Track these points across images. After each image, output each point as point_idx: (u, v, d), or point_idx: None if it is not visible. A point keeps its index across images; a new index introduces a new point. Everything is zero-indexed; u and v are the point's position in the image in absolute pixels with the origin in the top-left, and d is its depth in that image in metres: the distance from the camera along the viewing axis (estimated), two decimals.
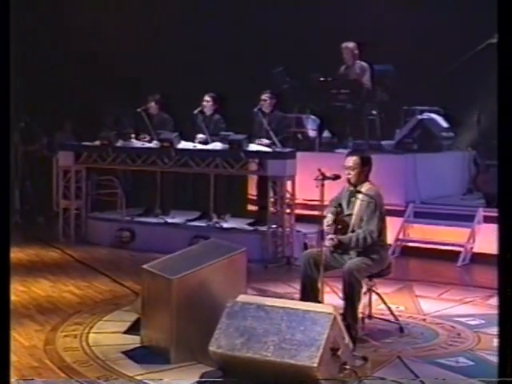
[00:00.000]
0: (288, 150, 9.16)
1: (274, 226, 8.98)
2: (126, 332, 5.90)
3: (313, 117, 10.95)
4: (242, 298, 5.01)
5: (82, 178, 10.29)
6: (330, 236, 5.84)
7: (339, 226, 5.98)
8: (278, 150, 9.05)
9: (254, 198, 10.65)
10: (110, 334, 5.89)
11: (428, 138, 10.65)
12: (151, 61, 13.07)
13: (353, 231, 5.90)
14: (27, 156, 12.26)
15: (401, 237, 9.57)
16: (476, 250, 9.19)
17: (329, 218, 5.95)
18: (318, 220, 9.62)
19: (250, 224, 9.67)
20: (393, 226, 9.60)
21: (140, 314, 5.68)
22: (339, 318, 4.77)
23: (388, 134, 11.08)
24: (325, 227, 5.90)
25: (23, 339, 5.77)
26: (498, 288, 3.56)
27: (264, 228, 9.21)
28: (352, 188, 6.10)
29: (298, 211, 9.44)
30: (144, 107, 10.22)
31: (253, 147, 9.15)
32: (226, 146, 9.23)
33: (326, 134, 11.17)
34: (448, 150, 11.08)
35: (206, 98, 9.97)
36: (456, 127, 11.32)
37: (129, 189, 11.24)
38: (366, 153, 6.28)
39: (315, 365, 4.48)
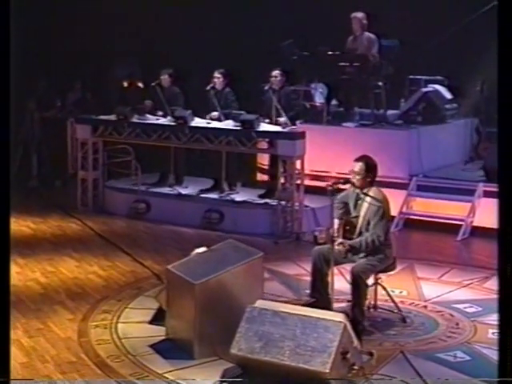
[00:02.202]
0: (297, 128, 9.54)
1: (283, 202, 9.44)
2: (150, 322, 6.45)
3: (320, 89, 11.30)
4: (259, 303, 5.51)
5: (98, 150, 10.74)
6: (339, 241, 6.30)
7: (347, 227, 6.43)
8: (287, 129, 9.43)
9: (264, 166, 11.11)
10: (136, 324, 6.42)
11: (432, 110, 11.03)
12: (161, 36, 13.38)
13: (360, 233, 6.36)
14: (43, 121, 12.64)
15: (404, 210, 10.05)
16: (475, 223, 9.69)
17: (336, 223, 6.37)
18: (325, 192, 10.15)
19: (260, 196, 10.15)
20: (396, 199, 10.11)
21: (165, 308, 6.20)
22: (349, 326, 5.27)
23: (393, 103, 11.46)
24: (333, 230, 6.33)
25: (59, 330, 6.29)
26: (498, 268, 3.73)
27: (274, 202, 9.70)
28: (358, 191, 6.50)
29: (305, 182, 9.90)
30: (158, 81, 10.59)
31: (264, 127, 9.55)
32: (238, 124, 9.63)
33: (333, 102, 11.57)
34: (451, 118, 11.49)
35: (216, 74, 10.32)
36: (459, 97, 11.69)
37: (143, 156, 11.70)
38: (372, 160, 6.65)
39: (327, 370, 5.00)
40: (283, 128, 9.46)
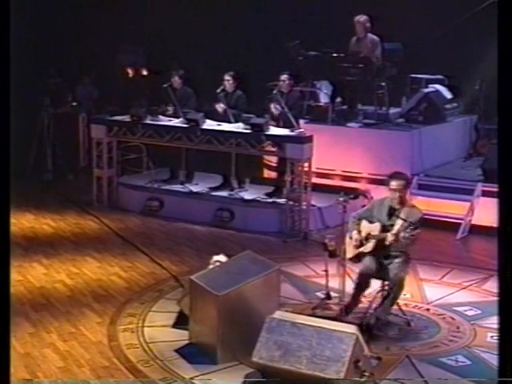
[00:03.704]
0: (305, 132, 9.94)
1: (291, 202, 9.91)
2: (173, 326, 6.95)
3: (325, 89, 11.73)
4: (278, 314, 6.01)
5: (113, 149, 11.19)
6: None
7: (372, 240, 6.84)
8: (296, 132, 9.86)
9: (272, 164, 11.57)
10: (160, 328, 6.91)
11: (433, 110, 11.51)
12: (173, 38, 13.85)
13: (387, 246, 6.76)
14: (56, 117, 13.04)
15: None
16: (474, 221, 10.20)
17: (353, 235, 6.83)
18: (330, 189, 10.63)
19: (268, 194, 10.63)
20: None
21: (188, 314, 6.69)
22: (360, 337, 5.77)
23: (395, 101, 11.92)
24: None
25: (90, 333, 6.79)
26: (498, 269, 3.98)
27: (282, 201, 10.18)
28: (393, 205, 6.84)
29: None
30: (169, 83, 11.01)
31: (273, 130, 10.00)
32: (248, 127, 10.06)
33: (338, 99, 12.01)
34: (451, 117, 11.95)
35: (226, 77, 10.74)
36: (459, 96, 12.16)
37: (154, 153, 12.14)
38: (407, 176, 7.10)
39: (341, 378, 5.53)
40: (291, 131, 9.89)
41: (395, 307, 7.12)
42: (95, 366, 6.19)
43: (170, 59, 14.06)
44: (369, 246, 6.88)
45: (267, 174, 11.90)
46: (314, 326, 5.83)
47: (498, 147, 3.97)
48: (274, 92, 10.30)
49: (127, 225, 10.35)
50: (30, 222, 10.37)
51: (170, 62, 14.15)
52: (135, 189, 11.20)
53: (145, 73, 15.53)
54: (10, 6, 4.03)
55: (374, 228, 6.86)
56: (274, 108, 10.25)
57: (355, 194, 7.07)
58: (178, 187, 11.09)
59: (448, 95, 11.79)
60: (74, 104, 13.78)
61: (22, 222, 10.33)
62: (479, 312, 7.43)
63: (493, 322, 7.20)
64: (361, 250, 6.89)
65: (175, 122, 10.70)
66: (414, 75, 12.09)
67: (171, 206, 10.72)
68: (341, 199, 6.88)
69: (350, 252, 6.99)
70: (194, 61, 12.72)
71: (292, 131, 9.90)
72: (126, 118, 10.97)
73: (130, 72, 16.23)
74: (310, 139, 9.80)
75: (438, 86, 11.79)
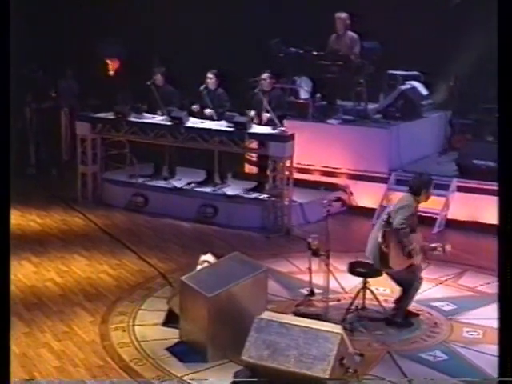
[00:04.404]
0: (287, 131, 10.19)
1: (273, 198, 10.19)
2: (163, 324, 7.21)
3: (305, 86, 12.00)
4: (266, 314, 6.30)
5: (97, 145, 11.39)
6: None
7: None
8: (278, 130, 10.11)
9: (253, 159, 11.83)
10: (151, 327, 7.17)
11: (410, 106, 11.82)
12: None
13: None
14: (39, 112, 13.19)
15: (384, 203, 10.84)
16: (450, 216, 10.55)
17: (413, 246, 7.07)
18: (310, 184, 10.88)
19: (251, 189, 10.89)
20: (377, 192, 10.96)
21: (178, 313, 6.95)
22: (345, 336, 6.08)
23: (373, 96, 12.22)
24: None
25: (83, 333, 7.04)
26: (498, 268, 4.00)
27: (264, 196, 10.44)
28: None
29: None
30: (152, 80, 11.20)
31: (255, 128, 10.25)
32: (231, 125, 10.30)
33: (317, 95, 12.28)
34: (427, 113, 12.28)
35: (209, 74, 10.96)
36: (434, 92, 12.50)
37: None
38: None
39: (327, 376, 5.83)
40: (273, 129, 10.15)
41: (375, 303, 7.45)
42: (90, 365, 6.44)
43: (151, 53, 14.27)
44: (418, 259, 7.17)
45: (248, 168, 12.15)
46: (300, 326, 6.12)
47: (498, 146, 4.09)
48: (256, 91, 10.54)
49: (113, 221, 10.57)
50: (17, 218, 10.52)
51: (152, 55, 14.37)
52: (119, 184, 11.42)
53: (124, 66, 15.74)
54: (9, 5, 4.12)
55: (420, 239, 7.19)
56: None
57: (337, 197, 7.31)
58: (161, 183, 11.32)
59: (424, 92, 12.11)
60: (54, 95, 13.88)
61: None
62: (455, 307, 7.77)
63: (468, 317, 7.58)
64: (412, 261, 7.11)
65: (160, 120, 10.92)
66: (391, 72, 12.39)
67: (156, 202, 10.96)
68: (325, 202, 7.16)
69: (400, 263, 7.10)
70: (175, 55, 12.90)
71: (274, 129, 10.16)
72: (111, 115, 11.16)
73: (110, 63, 16.40)
74: (291, 137, 10.06)
75: (415, 83, 12.09)
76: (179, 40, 13.70)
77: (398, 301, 7.40)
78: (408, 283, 7.25)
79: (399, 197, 10.97)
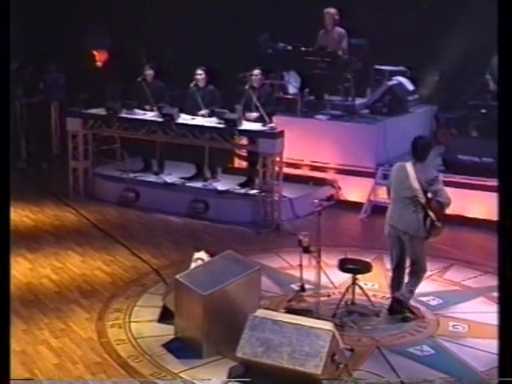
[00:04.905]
0: (276, 128, 10.36)
1: (263, 194, 10.37)
2: (159, 321, 7.39)
3: (294, 82, 12.17)
4: (259, 312, 6.50)
5: (88, 141, 11.52)
6: None
7: None
8: (268, 127, 10.28)
9: (243, 153, 11.99)
10: (147, 324, 7.35)
11: (397, 102, 12.02)
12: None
13: None
14: (29, 107, 13.28)
15: (372, 198, 11.05)
16: None
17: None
18: (299, 179, 11.04)
19: (241, 184, 11.06)
20: (365, 187, 11.16)
21: (173, 310, 7.13)
22: (337, 334, 6.28)
23: (360, 91, 12.42)
24: None
25: (80, 330, 7.21)
26: (498, 266, 4.09)
27: (254, 192, 10.63)
28: None
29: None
30: (143, 76, 11.34)
31: (246, 125, 10.42)
32: (222, 121, 10.46)
33: (306, 89, 12.45)
34: (413, 107, 12.49)
35: (199, 71, 11.10)
36: (420, 87, 12.71)
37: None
38: None
39: (319, 372, 6.04)
40: (263, 126, 10.32)
41: (364, 298, 7.67)
42: (88, 362, 6.62)
43: (138, 44, 14.41)
44: None
45: (238, 163, 12.31)
46: (293, 324, 6.33)
47: (498, 143, 4.16)
48: (246, 87, 10.70)
49: (105, 216, 10.72)
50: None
51: (140, 47, 14.51)
52: (111, 180, 11.56)
53: (108, 54, 15.83)
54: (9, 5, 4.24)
55: None
56: None
57: (327, 196, 7.50)
58: (152, 178, 11.47)
59: (410, 87, 12.32)
60: (41, 88, 13.96)
61: None
62: (441, 301, 7.99)
63: (454, 311, 7.80)
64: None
65: (151, 116, 11.06)
66: (377, 67, 12.58)
67: (147, 197, 11.11)
68: (316, 201, 7.33)
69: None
70: (163, 47, 13.08)
71: (264, 126, 10.33)
72: (102, 111, 11.29)
73: (97, 54, 16.47)
74: (281, 134, 10.24)
75: (401, 78, 12.29)
76: (167, 33, 13.85)
77: (411, 284, 7.60)
78: (423, 260, 7.57)
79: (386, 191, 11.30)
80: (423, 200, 7.23)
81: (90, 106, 11.66)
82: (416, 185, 7.22)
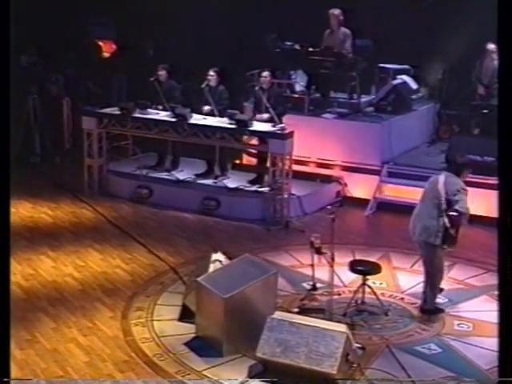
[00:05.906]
0: (286, 129, 10.73)
1: (272, 192, 10.77)
2: (179, 319, 7.80)
3: (301, 81, 12.55)
4: (277, 314, 6.93)
5: (102, 139, 11.89)
6: None
7: None
8: (278, 128, 10.65)
9: (252, 151, 12.37)
10: (168, 322, 7.76)
11: (401, 101, 12.41)
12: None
13: None
14: (42, 102, 13.60)
15: (377, 195, 11.46)
16: None
17: None
18: (306, 176, 11.44)
19: (251, 182, 11.46)
20: (371, 184, 11.56)
21: (194, 310, 7.55)
22: (350, 335, 6.71)
23: (365, 89, 12.80)
24: None
25: (106, 328, 7.61)
26: (498, 264, 4.16)
27: (263, 189, 11.03)
28: None
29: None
30: (156, 76, 11.69)
31: (256, 125, 10.80)
32: (233, 122, 10.84)
33: (312, 87, 12.83)
34: (416, 105, 12.88)
35: (211, 72, 11.47)
36: (424, 85, 13.10)
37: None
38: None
39: (335, 372, 6.47)
40: (273, 126, 10.70)
41: (373, 297, 8.08)
42: (117, 360, 7.01)
43: (144, 36, 14.74)
44: None
45: (247, 160, 12.70)
46: (309, 326, 6.75)
47: (498, 140, 4.22)
48: (256, 88, 11.07)
49: (120, 213, 11.11)
50: (29, 211, 11.05)
51: (145, 40, 14.86)
52: (124, 176, 11.95)
53: (114, 46, 16.12)
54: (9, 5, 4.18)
55: None
56: None
57: (341, 201, 7.87)
58: (164, 175, 11.85)
59: (414, 86, 12.71)
60: (54, 83, 14.32)
61: (20, 211, 11.02)
62: (446, 300, 8.40)
63: (459, 309, 8.22)
64: None
65: (163, 116, 11.43)
66: (382, 65, 12.97)
67: (160, 194, 11.50)
68: (329, 207, 7.72)
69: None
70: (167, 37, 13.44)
71: (274, 126, 10.71)
72: (116, 111, 11.65)
73: (103, 46, 16.78)
74: (290, 135, 10.62)
75: (405, 77, 12.68)
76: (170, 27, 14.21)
77: (429, 289, 7.99)
78: (439, 266, 7.93)
79: (391, 188, 11.65)
80: (444, 206, 7.60)
81: (100, 100, 12.01)
82: (442, 192, 7.62)
